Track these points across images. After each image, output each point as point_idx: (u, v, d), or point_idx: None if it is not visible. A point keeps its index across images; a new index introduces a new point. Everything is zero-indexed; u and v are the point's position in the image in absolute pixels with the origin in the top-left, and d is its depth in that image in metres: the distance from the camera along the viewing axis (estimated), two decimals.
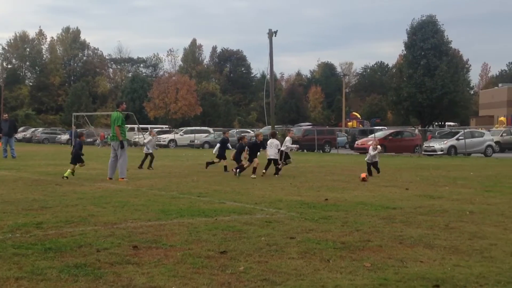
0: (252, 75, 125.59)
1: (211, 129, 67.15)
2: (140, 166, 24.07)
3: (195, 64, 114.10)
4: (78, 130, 50.58)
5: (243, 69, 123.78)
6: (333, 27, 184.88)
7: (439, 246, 8.45)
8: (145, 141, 26.32)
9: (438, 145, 42.15)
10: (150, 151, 24.84)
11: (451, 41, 54.02)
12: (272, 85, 53.07)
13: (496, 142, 46.24)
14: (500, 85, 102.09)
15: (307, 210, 11.88)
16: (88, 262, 7.14)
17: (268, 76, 51.87)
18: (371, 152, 21.29)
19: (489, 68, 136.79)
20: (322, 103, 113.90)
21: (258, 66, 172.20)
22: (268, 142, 21.30)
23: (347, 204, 12.96)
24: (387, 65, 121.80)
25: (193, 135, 61.66)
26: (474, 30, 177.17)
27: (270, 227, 9.82)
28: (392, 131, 50.07)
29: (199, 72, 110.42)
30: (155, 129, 45.56)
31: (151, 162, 24.30)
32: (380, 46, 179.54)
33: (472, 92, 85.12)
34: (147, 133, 37.84)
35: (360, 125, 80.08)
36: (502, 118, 75.08)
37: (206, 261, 7.32)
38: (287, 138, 22.31)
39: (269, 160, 20.94)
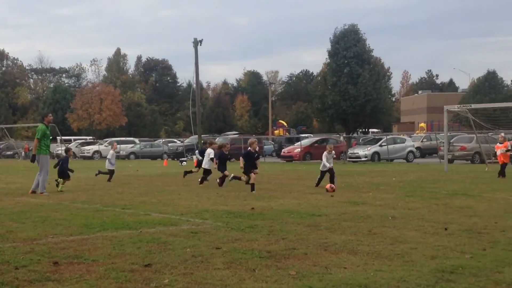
0: (178, 84, 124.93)
1: (136, 140, 66.29)
2: (109, 179, 23.44)
3: (120, 74, 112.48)
4: (66, 145, 48.88)
5: (169, 78, 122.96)
6: (259, 35, 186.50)
7: (362, 251, 8.59)
8: (108, 156, 24.61)
9: (362, 151, 43.06)
10: (113, 167, 24.00)
11: (373, 49, 55.32)
12: (198, 94, 52.95)
13: (417, 148, 47.60)
14: (420, 92, 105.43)
15: (233, 220, 11.86)
16: (5, 280, 6.89)
17: (194, 85, 51.72)
18: (326, 159, 19.79)
19: (410, 75, 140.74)
20: (248, 112, 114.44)
21: (184, 75, 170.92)
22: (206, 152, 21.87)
23: (273, 212, 13.02)
24: (312, 73, 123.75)
25: (119, 146, 60.70)
26: (395, 38, 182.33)
27: (196, 238, 9.75)
28: (317, 138, 50.80)
29: (124, 82, 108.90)
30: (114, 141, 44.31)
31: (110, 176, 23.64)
32: (305, 55, 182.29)
33: (393, 99, 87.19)
34: (110, 147, 35.81)
35: (287, 133, 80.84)
36: (422, 124, 77.44)
37: (129, 275, 7.18)
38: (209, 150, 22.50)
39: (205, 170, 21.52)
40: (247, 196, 16.90)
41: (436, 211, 12.90)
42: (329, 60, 55.12)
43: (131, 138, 69.65)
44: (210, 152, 21.87)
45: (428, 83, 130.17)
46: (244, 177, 18.41)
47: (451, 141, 38.57)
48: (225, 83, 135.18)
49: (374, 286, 6.67)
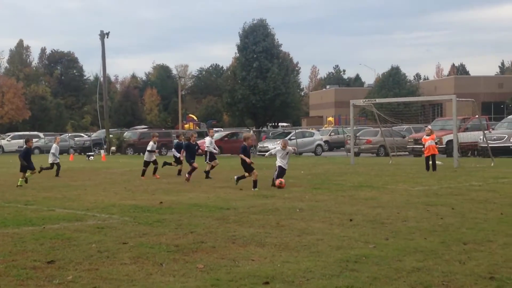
0: (85, 77, 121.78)
1: (41, 134, 64.19)
2: (57, 175, 22.64)
3: (23, 66, 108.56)
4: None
5: (75, 71, 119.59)
6: (168, 29, 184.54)
7: (270, 243, 8.67)
8: (52, 150, 23.56)
9: (272, 145, 43.37)
10: (58, 160, 23.22)
11: (282, 44, 55.96)
12: (106, 88, 51.93)
13: (325, 142, 48.52)
14: (328, 86, 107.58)
15: (141, 214, 11.71)
16: None
17: (102, 79, 50.68)
18: (279, 155, 17.32)
19: (318, 70, 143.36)
20: (158, 106, 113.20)
21: (91, 69, 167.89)
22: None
23: (182, 206, 12.94)
24: (222, 67, 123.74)
25: (22, 140, 58.60)
26: (303, 34, 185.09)
27: (102, 233, 9.55)
28: (228, 132, 50.84)
29: (27, 74, 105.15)
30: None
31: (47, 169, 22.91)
32: (215, 49, 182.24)
33: (302, 93, 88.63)
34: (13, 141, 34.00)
35: (197, 127, 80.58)
36: (330, 118, 79.10)
37: (31, 272, 6.95)
38: (207, 138, 23.02)
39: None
40: (155, 190, 16.73)
41: (342, 203, 13.19)
42: (238, 55, 55.29)
43: (35, 133, 67.31)
44: (150, 145, 22.23)
45: (336, 78, 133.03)
46: (247, 174, 16.98)
47: (357, 134, 39.53)
48: (133, 76, 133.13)
49: (281, 277, 6.74)
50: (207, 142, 22.53)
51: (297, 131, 45.67)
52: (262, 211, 12.08)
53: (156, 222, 10.64)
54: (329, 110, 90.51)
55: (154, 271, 7.07)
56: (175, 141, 26.54)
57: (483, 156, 29.72)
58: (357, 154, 35.25)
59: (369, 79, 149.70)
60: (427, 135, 22.71)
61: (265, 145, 44.14)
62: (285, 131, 50.86)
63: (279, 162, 17.12)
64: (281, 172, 17.05)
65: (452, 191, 14.95)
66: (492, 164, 24.18)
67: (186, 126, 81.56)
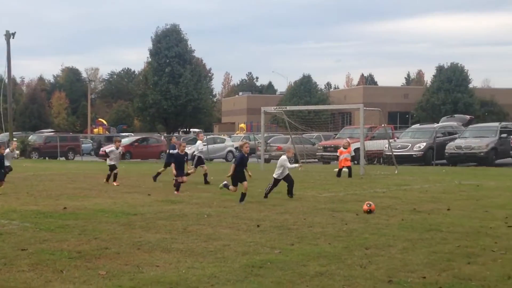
0: None
1: None
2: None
3: None
4: None
5: None
6: (78, 31, 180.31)
7: (176, 249, 8.59)
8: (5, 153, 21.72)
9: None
10: (8, 163, 21.35)
11: (195, 50, 55.98)
12: (10, 90, 50.19)
13: (237, 148, 48.72)
14: (240, 93, 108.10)
15: (43, 220, 11.34)
16: None
17: (6, 80, 48.95)
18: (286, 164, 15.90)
19: (231, 77, 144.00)
20: (66, 109, 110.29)
21: None
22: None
23: (87, 212, 12.63)
24: (134, 71, 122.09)
25: None
26: (217, 40, 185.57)
27: (0, 239, 9.17)
28: (138, 137, 50.19)
29: None
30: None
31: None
32: (127, 53, 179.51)
33: (215, 99, 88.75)
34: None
35: (107, 132, 79.06)
36: (242, 125, 79.53)
37: None
38: (199, 142, 22.53)
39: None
40: (60, 195, 16.26)
41: (250, 209, 13.24)
42: (150, 59, 54.80)
43: None
44: (110, 149, 21.34)
45: (249, 85, 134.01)
46: (232, 187, 14.85)
47: (268, 141, 39.91)
48: (41, 79, 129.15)
49: (185, 283, 6.69)
50: (197, 147, 22.05)
51: (208, 137, 45.61)
52: (169, 216, 11.96)
53: (59, 228, 10.34)
54: (241, 116, 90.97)
55: (54, 278, 6.85)
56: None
57: (388, 164, 30.63)
58: (267, 161, 35.57)
59: (281, 86, 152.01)
60: (344, 148, 23.07)
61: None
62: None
63: (278, 174, 15.57)
64: (275, 184, 15.65)
65: (357, 198, 15.30)
66: (396, 172, 24.95)
67: (96, 130, 79.95)
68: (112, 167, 20.61)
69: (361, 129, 26.22)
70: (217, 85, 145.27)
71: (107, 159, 21.20)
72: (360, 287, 6.54)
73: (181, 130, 62.14)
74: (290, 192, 15.60)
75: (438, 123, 39.94)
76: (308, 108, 46.36)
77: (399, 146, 32.47)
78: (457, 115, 45.92)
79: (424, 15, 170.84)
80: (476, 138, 31.36)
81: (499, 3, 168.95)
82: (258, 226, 10.72)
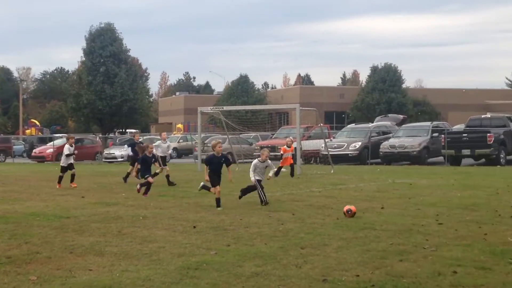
0: None
1: None
2: None
3: None
4: None
5: None
6: (8, 29, 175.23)
7: (110, 252, 8.45)
8: None
9: (119, 152, 42.59)
10: None
11: (130, 49, 55.28)
12: None
13: (174, 149, 48.35)
14: (177, 93, 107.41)
15: None
16: None
17: None
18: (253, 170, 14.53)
19: (168, 77, 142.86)
20: None
21: None
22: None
23: (17, 215, 12.30)
24: (68, 71, 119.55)
25: None
26: (153, 39, 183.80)
27: None
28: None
29: None
30: None
31: None
32: (60, 52, 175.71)
33: (151, 99, 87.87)
34: None
35: (40, 133, 77.21)
36: (179, 125, 79.02)
37: None
38: (159, 142, 21.99)
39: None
40: None
41: (187, 210, 13.17)
42: (84, 59, 53.84)
43: None
44: (66, 148, 20.15)
45: (186, 85, 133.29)
46: (213, 188, 13.83)
47: (205, 142, 39.78)
48: None
49: (119, 287, 6.59)
50: (159, 146, 21.57)
51: (145, 137, 45.13)
52: (104, 219, 11.76)
53: None
54: (179, 117, 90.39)
55: None
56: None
57: (324, 163, 30.98)
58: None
59: (218, 86, 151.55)
60: (288, 146, 23.20)
61: (111, 152, 43.24)
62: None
63: (257, 176, 14.24)
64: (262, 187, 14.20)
65: (294, 197, 15.42)
66: (332, 171, 25.26)
67: (28, 131, 78.00)
68: (67, 168, 19.71)
69: (298, 129, 26.44)
70: (153, 85, 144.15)
71: (62, 160, 20.21)
72: (295, 287, 6.58)
73: (117, 131, 61.26)
74: (243, 192, 14.65)
75: (373, 122, 40.71)
76: (245, 108, 46.49)
77: (335, 145, 32.91)
78: (391, 114, 46.88)
79: (358, 16, 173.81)
80: (409, 137, 32.09)
81: (430, 5, 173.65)
82: (194, 227, 10.66)
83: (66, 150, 20.25)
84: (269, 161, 14.55)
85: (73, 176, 19.59)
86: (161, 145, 21.71)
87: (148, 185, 16.38)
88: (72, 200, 15.44)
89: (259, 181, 14.19)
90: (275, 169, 15.35)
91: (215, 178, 13.75)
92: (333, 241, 9.11)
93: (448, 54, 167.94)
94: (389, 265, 7.52)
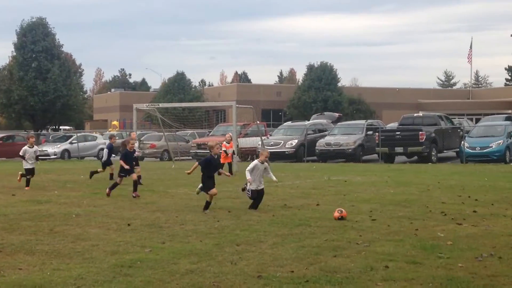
0: None
1: None
2: None
3: None
4: None
5: None
6: None
7: (41, 251, 8.26)
8: None
9: (52, 149, 41.69)
10: None
11: (63, 44, 54.25)
12: None
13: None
14: (113, 90, 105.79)
15: None
16: None
17: None
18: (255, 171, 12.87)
19: (103, 73, 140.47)
20: None
21: None
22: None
23: None
24: None
25: None
26: (87, 35, 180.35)
27: None
28: (3, 135, 47.86)
29: None
30: None
31: None
32: None
33: (86, 96, 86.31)
34: None
35: None
36: (115, 122, 77.88)
37: None
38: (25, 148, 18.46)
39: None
40: None
41: (121, 208, 12.98)
42: (15, 53, 52.49)
43: None
44: (23, 150, 18.16)
45: (121, 82, 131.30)
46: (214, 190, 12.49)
47: (141, 139, 39.34)
48: None
49: (50, 286, 6.46)
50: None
51: (78, 134, 44.33)
52: (35, 217, 11.49)
53: None
54: (114, 114, 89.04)
55: None
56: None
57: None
58: (141, 159, 35.08)
59: (155, 83, 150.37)
60: (227, 142, 23.04)
61: (44, 149, 42.29)
62: (66, 134, 49.13)
63: (254, 184, 12.59)
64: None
65: (230, 195, 15.40)
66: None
67: None
68: (30, 171, 18.01)
69: (234, 126, 26.47)
70: (88, 82, 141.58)
71: (23, 163, 18.25)
72: (230, 283, 6.58)
73: (50, 128, 59.93)
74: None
75: (309, 120, 41.07)
76: (182, 105, 46.24)
77: (272, 143, 33.07)
78: (327, 112, 47.43)
79: (294, 15, 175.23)
80: (344, 135, 32.55)
81: (365, 6, 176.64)
82: (128, 225, 10.53)
83: (21, 152, 18.34)
84: (266, 163, 13.20)
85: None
86: (28, 150, 18.39)
87: (134, 184, 15.18)
88: (2, 198, 15.02)
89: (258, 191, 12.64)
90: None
91: (210, 181, 12.49)
92: (268, 238, 9.15)
93: (382, 54, 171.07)
94: (323, 260, 7.61)
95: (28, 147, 18.39)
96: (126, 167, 15.16)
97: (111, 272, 7.05)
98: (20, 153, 18.45)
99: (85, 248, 8.44)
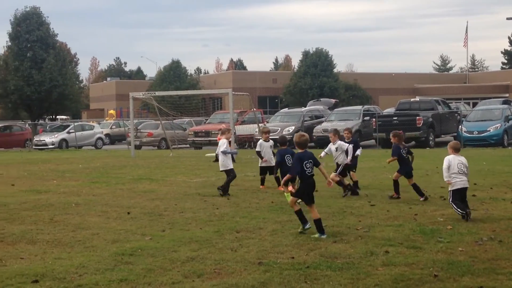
0: None
1: None
2: None
3: None
4: None
5: None
6: None
7: (42, 240, 8.29)
8: None
9: (49, 138, 41.65)
10: None
11: (58, 34, 54.08)
12: None
13: (106, 135, 47.61)
14: (108, 79, 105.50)
15: None
16: None
17: None
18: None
19: (98, 62, 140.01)
20: None
21: None
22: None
23: None
24: None
25: None
26: (82, 24, 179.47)
27: None
28: (0, 125, 47.82)
29: None
30: None
31: None
32: None
33: (82, 85, 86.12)
34: None
35: None
36: (111, 111, 77.75)
37: None
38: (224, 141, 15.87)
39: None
40: None
41: (120, 196, 13.01)
42: (10, 43, 52.34)
43: None
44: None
45: (117, 71, 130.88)
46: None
47: (138, 127, 39.31)
48: None
49: (52, 274, 6.47)
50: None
51: (76, 124, 44.27)
52: (35, 207, 11.51)
53: None
54: (110, 102, 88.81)
55: None
56: None
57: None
58: (138, 147, 35.11)
59: (150, 72, 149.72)
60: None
61: (42, 139, 42.25)
62: (64, 124, 49.06)
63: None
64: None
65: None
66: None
67: None
68: None
69: (231, 113, 26.45)
70: (83, 71, 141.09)
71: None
72: (230, 270, 6.61)
73: (47, 117, 59.84)
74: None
75: (305, 107, 41.02)
76: (178, 93, 46.10)
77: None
78: (323, 99, 47.41)
79: (288, 1, 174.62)
80: (341, 121, 32.52)
81: None
82: (128, 213, 10.55)
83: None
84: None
85: None
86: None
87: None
88: (2, 188, 15.02)
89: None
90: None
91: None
92: (268, 225, 9.18)
93: (377, 39, 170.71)
94: (323, 246, 7.64)
95: None
96: None
97: (112, 260, 7.08)
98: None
99: (85, 237, 8.47)
